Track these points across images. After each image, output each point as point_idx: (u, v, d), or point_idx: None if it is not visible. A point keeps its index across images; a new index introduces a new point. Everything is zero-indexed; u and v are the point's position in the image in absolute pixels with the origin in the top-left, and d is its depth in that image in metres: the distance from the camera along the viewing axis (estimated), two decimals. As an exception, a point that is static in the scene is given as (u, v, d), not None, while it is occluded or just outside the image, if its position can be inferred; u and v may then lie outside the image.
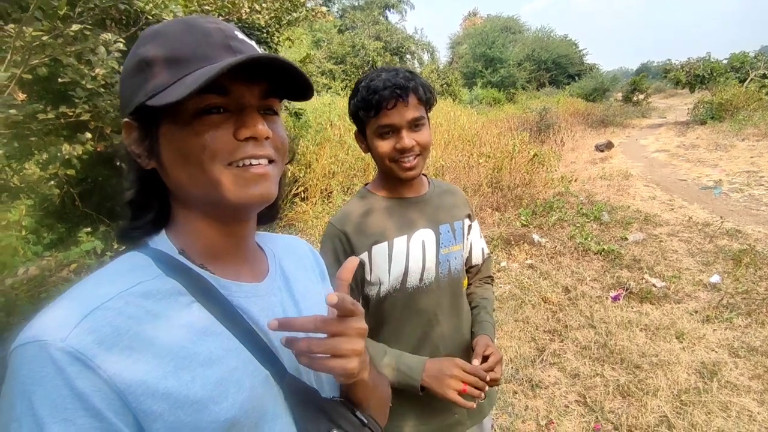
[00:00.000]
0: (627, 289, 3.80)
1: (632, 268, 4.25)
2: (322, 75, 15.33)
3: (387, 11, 25.86)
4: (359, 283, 1.12)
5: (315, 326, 0.52)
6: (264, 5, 4.02)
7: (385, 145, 1.07)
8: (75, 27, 2.91)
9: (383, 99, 1.02)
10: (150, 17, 3.35)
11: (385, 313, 1.14)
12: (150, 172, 0.55)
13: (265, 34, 4.72)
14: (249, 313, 0.56)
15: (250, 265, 0.62)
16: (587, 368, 2.83)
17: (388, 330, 1.15)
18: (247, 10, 3.92)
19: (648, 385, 2.64)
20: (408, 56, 22.64)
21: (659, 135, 13.83)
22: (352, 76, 16.48)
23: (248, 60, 0.48)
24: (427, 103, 1.08)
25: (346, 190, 5.06)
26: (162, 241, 0.56)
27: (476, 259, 1.34)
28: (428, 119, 1.11)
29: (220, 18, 3.90)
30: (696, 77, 17.37)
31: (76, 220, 3.47)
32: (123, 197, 0.56)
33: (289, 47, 5.95)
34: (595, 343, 3.09)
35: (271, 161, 0.54)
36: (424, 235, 1.15)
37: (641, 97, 22.57)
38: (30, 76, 2.99)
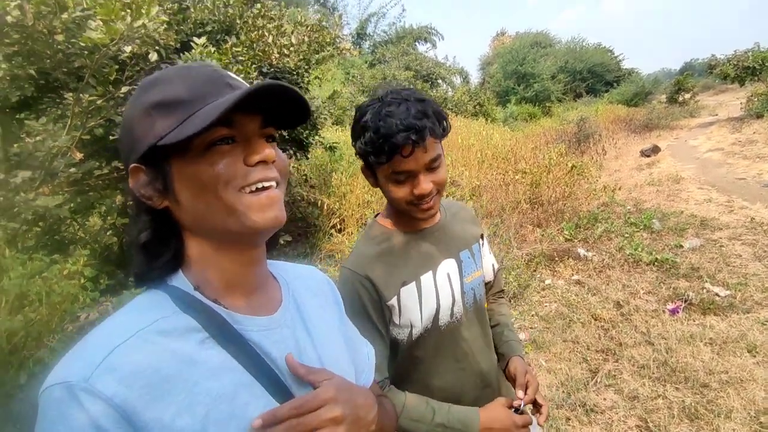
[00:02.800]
0: (686, 301, 3.53)
1: (690, 277, 3.96)
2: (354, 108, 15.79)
3: (417, 43, 26.42)
4: (386, 327, 1.05)
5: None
6: (291, 49, 4.25)
7: (400, 191, 0.98)
8: (124, 89, 3.21)
9: (397, 146, 0.91)
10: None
11: (418, 354, 1.08)
12: (161, 212, 0.57)
13: (295, 76, 4.97)
14: (262, 347, 0.58)
15: (263, 294, 0.64)
16: (647, 389, 2.63)
17: (421, 371, 1.09)
18: (277, 56, 4.17)
19: (719, 406, 2.41)
20: (440, 81, 22.90)
21: (711, 133, 13.02)
22: (384, 106, 16.87)
23: (261, 87, 0.51)
24: (443, 136, 1.00)
25: (381, 218, 5.12)
26: (178, 278, 0.58)
27: (488, 275, 1.29)
28: (443, 149, 1.02)
29: (254, 66, 4.13)
30: (746, 69, 16.28)
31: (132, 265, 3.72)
32: (136, 241, 0.58)
33: (319, 86, 6.22)
34: (654, 361, 2.87)
35: (278, 184, 0.58)
36: (448, 267, 1.09)
37: (687, 96, 21.43)
38: (88, 137, 3.30)
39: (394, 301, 1.02)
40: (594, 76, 29.09)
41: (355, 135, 1.00)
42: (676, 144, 12.43)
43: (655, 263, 4.28)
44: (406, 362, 1.09)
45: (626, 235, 5.05)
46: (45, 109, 3.61)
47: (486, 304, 1.24)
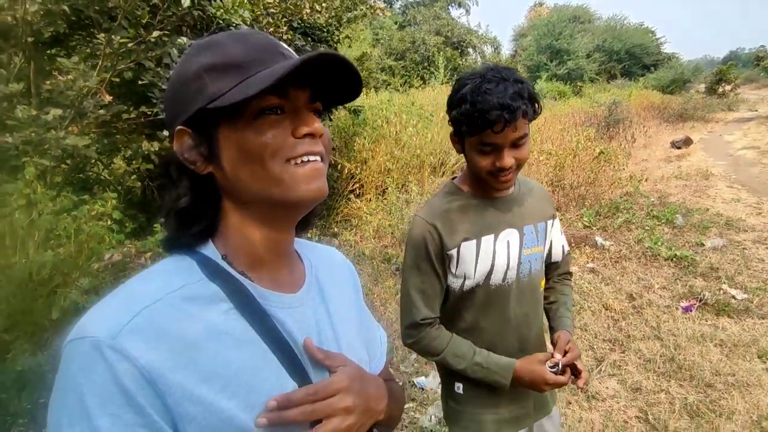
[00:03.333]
0: (701, 300, 3.50)
1: (708, 277, 3.91)
2: (382, 71, 15.42)
3: (450, 7, 25.38)
4: (444, 272, 1.15)
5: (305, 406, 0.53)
6: (324, 5, 4.12)
7: (484, 161, 1.06)
8: (155, 33, 3.16)
9: (490, 122, 0.98)
10: (221, 21, 3.57)
11: (464, 306, 1.18)
12: (204, 178, 0.56)
13: (325, 33, 4.83)
14: (284, 323, 0.58)
15: (288, 271, 0.64)
16: (651, 383, 2.66)
17: (464, 323, 1.20)
18: (308, 11, 4.05)
19: (722, 407, 2.43)
20: (470, 50, 22.13)
21: (748, 130, 12.50)
22: (411, 72, 16.43)
23: (321, 56, 0.50)
24: (534, 117, 1.06)
25: (400, 187, 5.08)
26: (207, 246, 0.58)
27: (556, 256, 1.34)
28: (529, 129, 1.09)
29: (284, 20, 4.04)
30: (796, 65, 15.43)
31: (154, 210, 3.79)
32: (174, 206, 0.57)
33: (349, 46, 6.06)
34: (660, 356, 2.88)
35: (322, 158, 0.57)
36: (509, 236, 1.17)
37: (728, 88, 20.46)
38: (117, 80, 3.30)
39: (453, 252, 1.12)
40: (631, 58, 27.77)
41: (452, 105, 1.07)
42: (709, 138, 11.99)
43: (674, 259, 4.22)
44: (454, 310, 1.20)
45: (647, 228, 4.96)
46: (75, 47, 3.59)
47: (544, 281, 1.31)
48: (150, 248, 2.44)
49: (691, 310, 3.38)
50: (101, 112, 3.10)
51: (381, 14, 5.39)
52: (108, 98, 2.90)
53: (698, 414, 2.38)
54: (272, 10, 3.68)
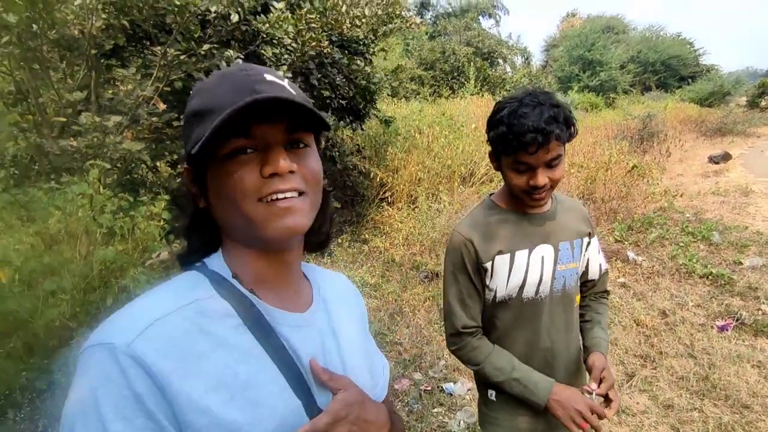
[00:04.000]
0: (738, 320, 3.41)
1: (746, 296, 3.81)
2: (411, 81, 15.59)
3: (481, 17, 25.44)
4: (482, 284, 1.21)
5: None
6: (364, 20, 4.27)
7: (518, 180, 1.12)
8: (205, 47, 3.37)
9: (524, 144, 1.04)
10: (265, 35, 3.76)
11: (496, 317, 1.23)
12: (203, 209, 0.62)
13: (361, 46, 4.99)
14: (290, 342, 0.59)
15: (294, 292, 0.66)
16: (683, 401, 2.63)
17: (497, 334, 1.24)
18: (348, 26, 4.21)
19: (758, 429, 2.38)
20: (500, 61, 22.07)
21: (792, 146, 11.98)
22: (441, 82, 16.52)
23: (253, 102, 0.51)
24: (568, 140, 1.11)
25: (431, 196, 5.16)
26: (218, 264, 0.61)
27: (593, 274, 1.36)
28: (565, 151, 1.14)
29: (324, 34, 4.20)
30: None
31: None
32: (182, 227, 0.63)
33: (384, 58, 6.20)
34: (694, 374, 2.84)
35: (301, 193, 0.57)
36: (544, 251, 1.20)
37: (772, 101, 19.65)
38: (168, 89, 3.52)
39: (488, 265, 1.18)
40: (668, 69, 27.06)
41: (490, 126, 1.14)
42: (749, 153, 11.55)
43: (709, 277, 4.13)
44: (488, 320, 1.25)
45: (681, 244, 4.86)
46: (128, 58, 3.85)
47: (579, 296, 1.33)
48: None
49: (727, 330, 3.31)
50: (154, 119, 3.32)
51: (416, 27, 5.50)
52: (162, 106, 3.11)
53: (733, 434, 2.35)
54: (314, 25, 3.85)
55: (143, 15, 3.30)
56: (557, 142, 1.06)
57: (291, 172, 0.55)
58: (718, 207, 6.50)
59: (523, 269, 1.19)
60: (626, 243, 5.02)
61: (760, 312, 3.53)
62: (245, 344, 0.55)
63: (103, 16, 3.17)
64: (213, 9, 3.23)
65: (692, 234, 5.18)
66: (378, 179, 5.37)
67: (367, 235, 4.93)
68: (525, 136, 1.03)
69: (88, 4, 3.00)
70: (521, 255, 1.19)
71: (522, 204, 1.20)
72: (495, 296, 1.21)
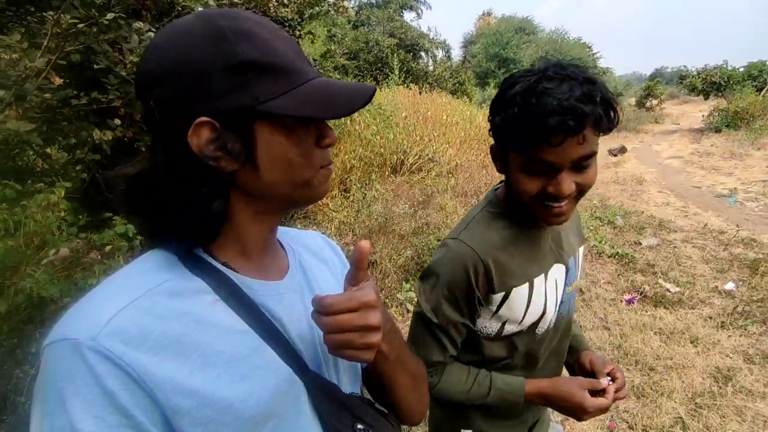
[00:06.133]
0: (641, 293, 3.82)
1: (646, 272, 4.27)
2: (335, 70, 15.38)
3: (403, 10, 25.75)
4: (472, 318, 0.94)
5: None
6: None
7: (531, 184, 0.80)
8: (110, 15, 2.97)
9: (548, 132, 0.72)
10: (181, 8, 3.41)
11: (495, 352, 0.98)
12: (215, 174, 0.52)
13: (288, 28, 4.76)
14: (271, 311, 0.57)
15: (273, 260, 0.64)
16: (602, 368, 2.86)
17: (497, 366, 1.00)
18: (275, 4, 3.97)
19: (663, 387, 2.67)
20: (422, 53, 22.55)
21: (673, 141, 13.74)
22: (365, 72, 16.50)
23: (371, 94, 0.56)
24: (608, 130, 0.78)
25: (364, 185, 5.10)
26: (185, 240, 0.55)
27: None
28: (598, 146, 0.81)
29: (249, 11, 3.98)
30: (712, 84, 17.22)
31: (99, 205, 3.53)
32: (176, 199, 0.52)
33: (312, 42, 5.98)
34: (609, 344, 3.12)
35: None
36: (557, 273, 0.97)
37: (655, 102, 22.40)
38: (64, 62, 3.06)
39: (500, 296, 0.90)
40: (571, 70, 29.56)
41: (496, 108, 0.82)
42: (640, 147, 13.04)
43: (616, 256, 4.57)
44: (478, 357, 0.99)
45: (591, 228, 5.33)
46: (6, 24, 3.29)
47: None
48: (108, 242, 2.29)
49: (633, 303, 3.68)
50: (47, 96, 2.86)
51: (344, 13, 5.37)
52: (58, 81, 2.68)
53: (643, 394, 2.61)
54: (237, 1, 3.58)
55: (30, -27, 2.82)
56: (593, 131, 0.75)
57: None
58: (619, 194, 7.23)
59: (542, 299, 0.94)
60: (545, 228, 5.39)
61: (657, 285, 3.97)
62: (226, 320, 0.52)
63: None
64: (118, -29, 2.85)
65: (599, 218, 5.71)
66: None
67: (298, 225, 4.75)
68: (548, 119, 0.71)
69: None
70: (539, 282, 0.93)
71: (528, 216, 0.90)
72: (503, 329, 0.94)
